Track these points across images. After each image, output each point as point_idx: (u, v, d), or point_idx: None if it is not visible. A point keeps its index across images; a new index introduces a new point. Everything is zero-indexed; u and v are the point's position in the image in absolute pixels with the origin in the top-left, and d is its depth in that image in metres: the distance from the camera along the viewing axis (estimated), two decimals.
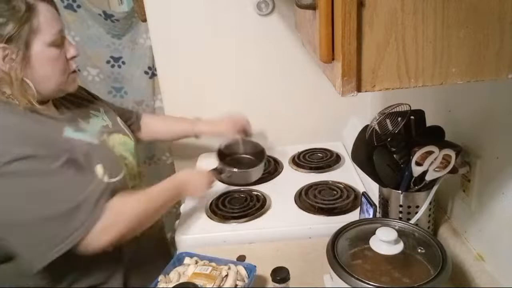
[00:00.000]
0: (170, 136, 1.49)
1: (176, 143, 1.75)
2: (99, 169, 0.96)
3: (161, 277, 0.95)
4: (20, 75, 0.87)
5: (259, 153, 1.40)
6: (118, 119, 1.18)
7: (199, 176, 1.19)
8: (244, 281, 0.95)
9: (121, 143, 1.11)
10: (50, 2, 0.92)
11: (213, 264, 0.98)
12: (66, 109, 1.04)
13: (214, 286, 0.90)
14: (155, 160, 1.86)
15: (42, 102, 0.94)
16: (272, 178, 1.45)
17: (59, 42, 0.93)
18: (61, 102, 1.04)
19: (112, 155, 1.05)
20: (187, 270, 0.96)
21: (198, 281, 0.90)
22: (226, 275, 0.93)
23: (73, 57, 0.97)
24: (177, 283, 0.90)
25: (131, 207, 0.96)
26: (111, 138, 1.08)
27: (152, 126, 1.41)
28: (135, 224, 0.95)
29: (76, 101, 1.09)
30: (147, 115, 1.44)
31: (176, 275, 0.95)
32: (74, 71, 0.99)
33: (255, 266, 0.97)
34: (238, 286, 0.92)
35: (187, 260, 1.01)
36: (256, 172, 1.33)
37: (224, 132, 1.38)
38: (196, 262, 1.00)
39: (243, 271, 0.97)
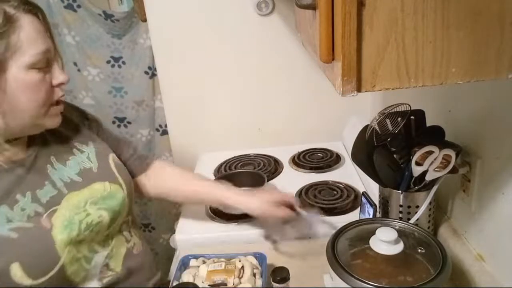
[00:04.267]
0: (186, 199, 1.15)
1: (175, 141, 1.76)
2: (14, 270, 0.73)
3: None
4: None
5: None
6: (111, 157, 0.94)
7: None
8: (258, 268, 0.95)
9: (99, 199, 0.86)
10: (38, 15, 0.76)
11: (223, 260, 0.98)
12: (38, 148, 0.83)
13: (235, 279, 0.90)
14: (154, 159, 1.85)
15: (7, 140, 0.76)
16: (272, 178, 1.45)
17: (43, 65, 0.76)
18: (37, 137, 0.83)
19: (45, 241, 0.77)
20: (199, 271, 0.95)
21: (218, 278, 0.90)
22: (242, 267, 0.93)
23: (61, 84, 0.79)
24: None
25: None
26: (81, 193, 0.85)
27: (164, 181, 1.09)
28: None
29: (61, 133, 0.88)
30: (160, 163, 1.13)
31: (190, 278, 0.94)
32: (58, 102, 0.80)
33: (264, 254, 0.97)
34: (256, 274, 0.94)
35: (193, 262, 1.00)
36: None
37: (259, 213, 1.02)
38: (204, 262, 0.99)
39: (254, 261, 0.97)
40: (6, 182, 0.77)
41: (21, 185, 0.78)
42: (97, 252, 0.85)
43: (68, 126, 0.91)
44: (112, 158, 0.94)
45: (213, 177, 1.36)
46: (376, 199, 1.01)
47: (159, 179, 1.09)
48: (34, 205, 0.78)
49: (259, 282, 0.92)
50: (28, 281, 0.74)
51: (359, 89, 0.52)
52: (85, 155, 0.89)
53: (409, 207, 0.94)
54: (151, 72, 1.69)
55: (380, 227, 0.79)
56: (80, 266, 0.82)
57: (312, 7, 0.60)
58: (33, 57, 0.73)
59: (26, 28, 0.73)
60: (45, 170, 0.82)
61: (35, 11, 0.76)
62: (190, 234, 1.19)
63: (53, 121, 0.81)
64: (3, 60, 0.70)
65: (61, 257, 0.78)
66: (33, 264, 0.75)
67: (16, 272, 0.73)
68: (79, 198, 0.84)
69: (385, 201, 0.99)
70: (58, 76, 0.79)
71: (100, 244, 0.86)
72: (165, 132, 1.79)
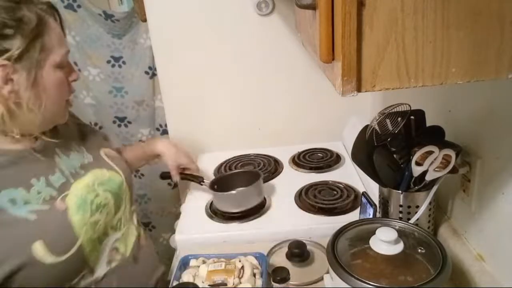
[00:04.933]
0: (139, 164, 1.33)
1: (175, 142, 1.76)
2: (38, 248, 0.76)
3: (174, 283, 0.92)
4: (27, 102, 0.76)
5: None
6: (103, 151, 1.00)
7: None
8: (258, 268, 0.96)
9: (103, 181, 0.93)
10: (58, 19, 0.83)
11: (223, 260, 0.98)
12: (45, 142, 0.86)
13: (235, 279, 0.90)
14: (155, 160, 1.86)
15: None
16: (272, 178, 1.45)
17: (66, 64, 0.83)
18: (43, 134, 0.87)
19: (62, 222, 0.81)
20: (199, 271, 0.95)
21: (218, 278, 0.90)
22: (242, 267, 0.94)
23: (74, 80, 0.87)
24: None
25: None
26: (86, 177, 0.90)
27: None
28: None
29: (61, 135, 0.93)
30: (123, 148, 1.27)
31: (190, 278, 0.94)
32: (67, 100, 0.87)
33: (264, 254, 0.98)
34: (256, 274, 0.94)
35: (193, 262, 1.01)
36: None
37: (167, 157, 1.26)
38: (204, 262, 0.99)
39: (254, 261, 0.98)
40: (21, 166, 0.80)
41: (35, 170, 0.82)
42: (108, 235, 0.91)
43: (66, 130, 0.96)
44: (104, 152, 1.00)
45: (213, 177, 1.36)
46: (376, 199, 1.01)
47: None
48: (48, 189, 0.82)
49: (259, 282, 0.92)
50: (51, 258, 0.77)
51: (359, 89, 0.52)
52: (81, 155, 0.95)
53: (409, 207, 0.94)
54: (151, 72, 1.69)
55: (380, 227, 0.79)
56: (95, 247, 0.87)
57: (312, 7, 0.60)
58: (61, 57, 0.80)
59: (55, 30, 0.80)
60: (54, 159, 0.87)
61: (57, 14, 0.83)
62: (190, 234, 1.19)
63: (64, 118, 0.89)
64: (40, 59, 0.76)
65: (79, 237, 0.82)
66: (54, 242, 0.78)
67: (39, 250, 0.76)
68: (87, 181, 0.89)
69: (385, 201, 0.99)
70: (72, 74, 0.86)
71: (113, 227, 0.93)
72: (165, 132, 1.79)
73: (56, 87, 0.81)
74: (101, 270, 0.88)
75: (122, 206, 0.96)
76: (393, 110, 0.92)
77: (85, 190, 0.87)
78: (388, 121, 0.92)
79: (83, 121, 1.08)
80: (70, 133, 0.96)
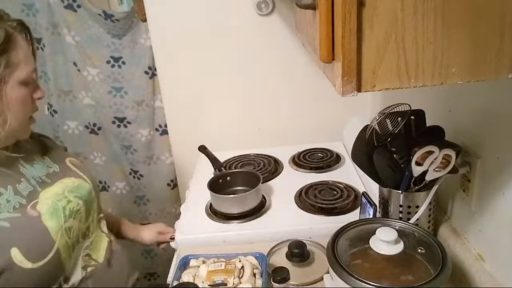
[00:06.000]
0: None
1: (175, 141, 1.76)
2: (15, 255, 0.76)
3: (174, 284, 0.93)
4: None
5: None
6: (68, 160, 1.00)
7: None
8: (258, 268, 0.96)
9: (73, 188, 0.93)
10: (28, 37, 0.84)
11: (223, 260, 0.98)
12: (6, 153, 0.86)
13: (235, 279, 0.91)
14: (154, 159, 1.85)
15: None
16: (272, 178, 1.45)
17: (31, 81, 0.84)
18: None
19: (38, 227, 0.81)
20: (199, 271, 0.95)
21: (218, 278, 0.91)
22: (242, 267, 0.94)
23: (39, 98, 0.87)
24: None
25: None
26: (55, 186, 0.90)
27: None
28: None
29: (19, 148, 0.92)
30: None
31: (190, 278, 0.95)
32: (31, 117, 0.88)
33: (264, 254, 0.98)
34: (256, 274, 0.94)
35: (193, 262, 1.01)
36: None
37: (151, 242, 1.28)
38: (204, 262, 1.00)
39: (254, 261, 0.98)
40: None
41: (0, 180, 0.82)
42: (79, 242, 0.92)
43: (28, 143, 0.96)
44: (69, 160, 1.01)
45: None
46: (376, 199, 1.01)
47: None
48: (17, 197, 0.82)
49: (259, 282, 0.92)
50: (28, 265, 0.78)
51: (359, 89, 0.52)
52: (46, 163, 0.95)
53: (409, 207, 0.94)
54: (151, 72, 1.69)
55: (380, 227, 0.79)
56: (69, 254, 0.87)
57: (312, 7, 0.60)
58: (26, 74, 0.81)
59: (23, 47, 0.81)
60: (18, 169, 0.87)
61: (27, 32, 0.84)
62: (190, 234, 1.19)
63: (27, 134, 0.89)
64: (4, 75, 0.77)
65: (56, 241, 0.83)
66: (31, 248, 0.79)
67: (16, 256, 0.77)
68: (56, 189, 0.90)
69: (385, 201, 0.99)
70: (37, 92, 0.86)
71: (83, 234, 0.93)
72: (165, 132, 1.79)
73: (19, 103, 0.81)
74: (76, 276, 0.89)
75: (91, 213, 0.97)
76: (393, 110, 0.92)
77: (56, 198, 0.88)
78: (388, 121, 0.92)
79: (46, 134, 1.07)
80: (32, 146, 0.96)
